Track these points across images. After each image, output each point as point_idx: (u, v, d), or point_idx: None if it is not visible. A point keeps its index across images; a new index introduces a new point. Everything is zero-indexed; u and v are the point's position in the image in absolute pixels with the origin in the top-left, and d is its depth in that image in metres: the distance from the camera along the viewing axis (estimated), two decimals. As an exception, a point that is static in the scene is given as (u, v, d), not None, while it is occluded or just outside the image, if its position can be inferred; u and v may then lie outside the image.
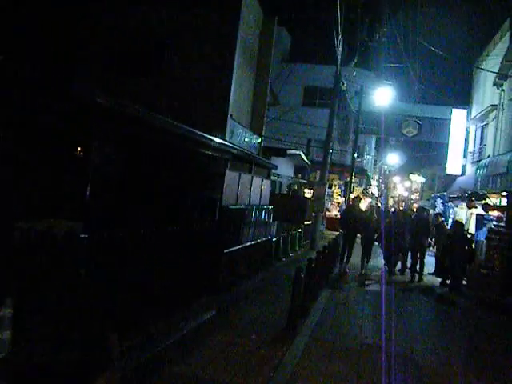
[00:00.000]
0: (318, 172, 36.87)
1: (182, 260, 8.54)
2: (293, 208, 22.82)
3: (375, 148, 49.52)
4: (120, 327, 5.93)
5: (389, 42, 28.64)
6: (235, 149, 11.55)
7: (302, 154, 27.14)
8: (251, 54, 20.21)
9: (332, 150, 40.17)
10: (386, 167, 55.51)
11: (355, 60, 22.20)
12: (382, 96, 26.76)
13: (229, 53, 17.10)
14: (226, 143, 11.26)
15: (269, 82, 22.32)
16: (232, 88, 17.17)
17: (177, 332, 7.63)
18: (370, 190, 44.32)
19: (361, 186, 41.07)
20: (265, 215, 13.95)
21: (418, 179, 58.84)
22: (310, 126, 33.82)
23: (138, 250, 7.06)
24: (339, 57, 22.43)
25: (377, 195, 52.55)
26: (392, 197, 72.37)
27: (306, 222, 23.22)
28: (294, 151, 26.34)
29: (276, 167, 15.51)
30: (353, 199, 21.39)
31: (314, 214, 23.08)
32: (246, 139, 19.95)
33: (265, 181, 14.53)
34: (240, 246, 11.45)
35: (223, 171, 10.50)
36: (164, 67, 17.29)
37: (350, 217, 16.37)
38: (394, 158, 52.16)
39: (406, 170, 63.02)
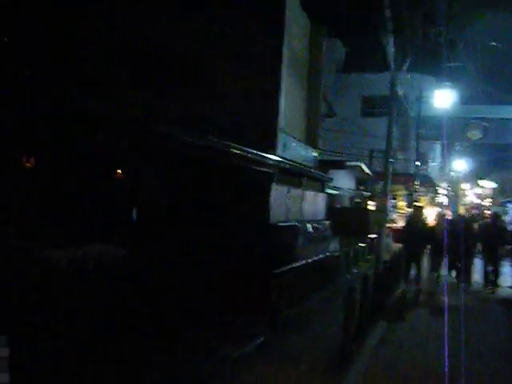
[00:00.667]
0: (381, 183, 35.92)
1: (227, 283, 7.94)
2: (354, 221, 21.97)
3: (441, 154, 47.75)
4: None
5: (449, 42, 27.47)
6: (282, 162, 10.89)
7: (363, 166, 26.19)
8: (300, 64, 19.60)
9: (395, 159, 39.20)
10: (453, 174, 53.37)
11: (407, 64, 21.11)
12: (442, 98, 25.46)
13: (275, 65, 16.54)
14: (270, 156, 10.61)
15: (321, 93, 21.60)
16: (281, 101, 16.56)
17: (212, 362, 6.98)
18: (437, 199, 42.62)
19: (427, 195, 39.51)
20: (322, 230, 13.19)
21: (487, 185, 56.39)
22: (370, 136, 32.79)
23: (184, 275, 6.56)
24: (392, 62, 21.46)
25: (446, 204, 50.59)
26: (463, 204, 69.72)
27: (370, 236, 22.28)
28: (353, 163, 25.44)
29: (331, 180, 14.77)
30: (414, 210, 20.39)
31: (377, 227, 22.07)
32: (301, 152, 19.25)
33: (320, 194, 13.80)
34: (294, 265, 10.73)
35: (269, 186, 9.87)
36: (207, 82, 16.86)
37: (412, 229, 15.13)
38: (461, 164, 50.00)
39: (474, 176, 60.55)
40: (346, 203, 26.62)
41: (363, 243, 21.93)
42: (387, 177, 22.23)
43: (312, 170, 14.38)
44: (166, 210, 8.37)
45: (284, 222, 10.46)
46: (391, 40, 20.57)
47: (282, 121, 16.60)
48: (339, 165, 23.41)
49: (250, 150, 9.54)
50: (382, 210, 22.06)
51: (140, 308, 5.61)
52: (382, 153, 40.01)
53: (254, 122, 16.35)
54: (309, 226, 11.96)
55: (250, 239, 9.45)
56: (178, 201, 8.06)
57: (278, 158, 11.80)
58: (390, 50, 20.99)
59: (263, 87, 16.45)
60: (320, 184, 14.24)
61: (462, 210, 63.63)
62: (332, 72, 40.32)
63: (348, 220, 21.97)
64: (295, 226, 11.09)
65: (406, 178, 34.31)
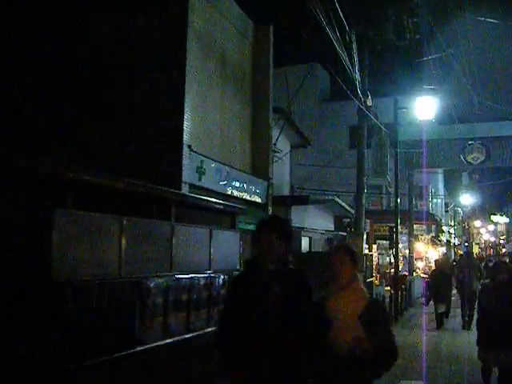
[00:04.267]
0: (368, 222, 31.20)
1: None
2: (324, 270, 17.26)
3: (445, 187, 43.02)
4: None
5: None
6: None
7: (339, 200, 21.62)
8: (231, 72, 15.37)
9: (387, 193, 34.69)
10: (459, 210, 48.38)
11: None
12: (425, 106, 20.85)
13: (178, 71, 12.35)
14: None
15: (270, 115, 17.28)
16: (187, 114, 12.29)
17: None
18: (441, 238, 37.64)
19: (428, 233, 34.64)
20: (215, 288, 8.64)
21: (501, 220, 51.26)
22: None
23: None
24: (358, 90, 17.26)
25: (456, 243, 45.60)
26: (477, 243, 64.17)
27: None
28: (326, 198, 20.98)
29: (243, 211, 10.22)
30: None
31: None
32: (237, 182, 14.84)
33: (223, 233, 9.31)
34: (124, 353, 6.10)
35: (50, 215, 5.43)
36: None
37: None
38: (467, 199, 44.80)
39: (486, 211, 55.40)
40: (322, 248, 21.95)
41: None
42: (360, 211, 17.71)
43: (199, 196, 9.88)
44: None
45: (98, 277, 5.83)
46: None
47: (189, 137, 12.28)
48: (302, 200, 18.92)
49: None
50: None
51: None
52: (373, 188, 35.86)
53: (157, 140, 12.15)
54: (179, 282, 7.41)
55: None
56: None
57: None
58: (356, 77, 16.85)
59: (166, 97, 12.27)
60: (227, 219, 9.70)
61: (476, 250, 58.21)
62: (315, 101, 36.68)
63: (312, 269, 17.28)
64: (135, 283, 6.52)
65: (402, 215, 29.62)
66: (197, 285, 8.22)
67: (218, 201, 9.96)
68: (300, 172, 29.91)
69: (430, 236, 34.02)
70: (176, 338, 7.18)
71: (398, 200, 19.47)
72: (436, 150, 25.31)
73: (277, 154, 21.54)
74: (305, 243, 19.65)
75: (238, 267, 9.78)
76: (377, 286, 25.67)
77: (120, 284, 6.23)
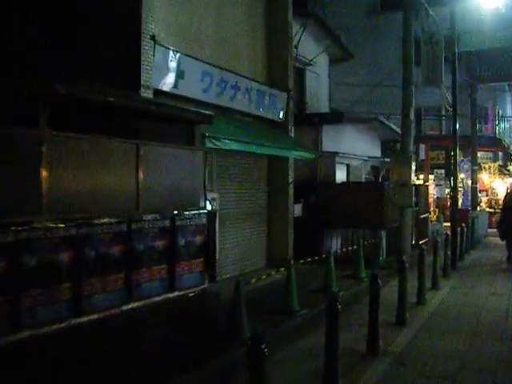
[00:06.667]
0: (424, 148, 27.03)
1: None
2: (359, 204, 13.73)
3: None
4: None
5: None
6: None
7: (383, 119, 17.67)
8: None
9: (447, 116, 30.14)
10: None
11: None
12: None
13: None
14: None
15: (290, 7, 13.36)
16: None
17: None
18: (510, 168, 32.93)
19: (495, 161, 30.14)
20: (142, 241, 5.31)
21: None
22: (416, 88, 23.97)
23: None
24: None
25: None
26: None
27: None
28: (365, 116, 17.14)
29: (206, 117, 6.67)
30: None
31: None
32: (238, 92, 11.22)
33: (167, 151, 5.89)
34: None
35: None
36: None
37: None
38: None
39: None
40: (366, 177, 18.15)
41: (375, 237, 13.71)
42: (406, 132, 13.86)
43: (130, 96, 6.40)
44: None
45: None
46: None
47: (156, 29, 8.68)
48: (335, 117, 15.10)
49: None
50: (403, 184, 13.68)
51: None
52: (434, 111, 31.39)
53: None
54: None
55: None
56: None
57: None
58: None
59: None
60: (181, 130, 6.21)
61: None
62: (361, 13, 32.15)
63: (348, 203, 13.77)
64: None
65: (464, 141, 25.24)
66: (96, 239, 4.88)
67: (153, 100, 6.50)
68: (346, 94, 25.97)
69: (496, 164, 29.54)
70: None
71: (458, 124, 15.33)
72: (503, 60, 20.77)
73: (309, 68, 17.76)
74: (341, 172, 15.97)
75: (201, 203, 6.36)
76: (434, 222, 21.99)
77: None
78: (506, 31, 20.78)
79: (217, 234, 9.92)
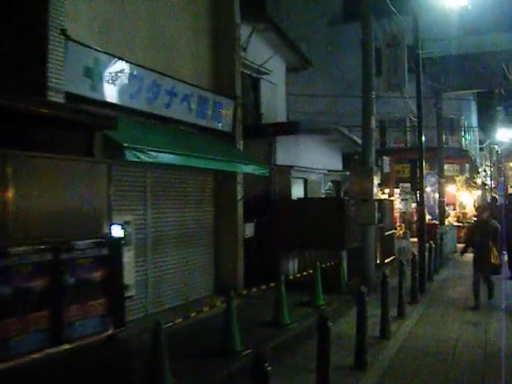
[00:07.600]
0: (388, 161, 25.96)
1: None
2: (321, 222, 12.50)
3: (479, 125, 37.07)
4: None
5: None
6: None
7: (344, 129, 16.50)
8: None
9: (409, 127, 29.21)
10: (496, 147, 42.20)
11: None
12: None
13: None
14: None
15: (237, 6, 12.15)
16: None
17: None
18: (477, 180, 32.11)
19: (463, 173, 29.23)
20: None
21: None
22: (380, 100, 22.92)
23: None
24: None
25: (491, 185, 39.91)
26: (512, 186, 57.96)
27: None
28: (324, 126, 15.94)
29: (108, 122, 5.37)
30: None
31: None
32: (175, 99, 9.90)
33: (72, 165, 4.54)
34: None
35: None
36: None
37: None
38: (504, 134, 38.09)
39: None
40: (325, 192, 16.92)
41: (335, 259, 12.47)
42: (367, 142, 12.70)
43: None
44: None
45: None
46: None
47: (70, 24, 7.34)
48: (290, 128, 13.85)
49: None
50: (365, 199, 12.46)
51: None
52: (396, 123, 30.45)
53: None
54: None
55: None
56: None
57: None
58: None
59: None
60: (81, 138, 4.86)
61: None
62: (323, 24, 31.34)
63: (306, 221, 12.55)
64: None
65: (430, 153, 24.21)
66: None
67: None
68: (308, 106, 24.91)
69: (463, 177, 28.69)
70: None
71: (423, 135, 14.20)
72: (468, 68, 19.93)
73: (265, 77, 16.54)
74: (298, 188, 14.72)
75: (103, 229, 5.00)
76: (400, 238, 20.85)
77: None
78: (471, 38, 19.96)
79: (134, 264, 8.57)
